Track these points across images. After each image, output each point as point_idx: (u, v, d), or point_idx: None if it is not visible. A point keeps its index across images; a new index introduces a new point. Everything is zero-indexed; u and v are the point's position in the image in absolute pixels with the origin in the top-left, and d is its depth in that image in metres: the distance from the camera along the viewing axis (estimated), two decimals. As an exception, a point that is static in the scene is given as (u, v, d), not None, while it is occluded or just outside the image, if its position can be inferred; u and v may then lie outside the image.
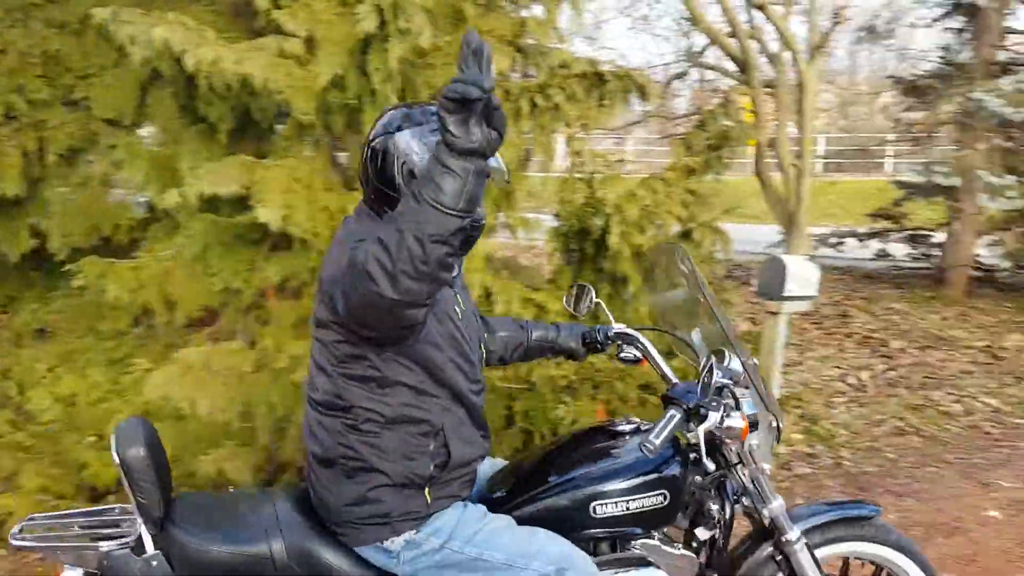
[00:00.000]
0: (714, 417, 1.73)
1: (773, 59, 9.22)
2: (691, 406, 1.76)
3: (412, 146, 1.65)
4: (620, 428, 1.93)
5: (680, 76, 13.64)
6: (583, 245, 3.78)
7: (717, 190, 4.38)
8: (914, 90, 10.22)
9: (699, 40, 11.07)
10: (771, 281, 5.03)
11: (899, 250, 10.70)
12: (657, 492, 1.82)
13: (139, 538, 1.66)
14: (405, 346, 1.61)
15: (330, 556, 1.69)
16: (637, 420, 1.97)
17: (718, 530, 1.88)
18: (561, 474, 1.84)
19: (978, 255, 9.10)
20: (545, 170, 4.22)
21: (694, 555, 1.90)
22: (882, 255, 11.00)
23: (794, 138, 9.58)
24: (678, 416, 1.71)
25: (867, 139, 16.96)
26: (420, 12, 2.98)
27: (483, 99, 1.28)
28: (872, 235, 11.04)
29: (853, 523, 2.07)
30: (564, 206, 3.82)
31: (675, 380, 2.06)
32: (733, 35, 8.67)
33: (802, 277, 5.08)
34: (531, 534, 1.74)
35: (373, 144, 1.70)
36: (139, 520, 1.65)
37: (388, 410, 1.66)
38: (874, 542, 2.08)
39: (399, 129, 1.68)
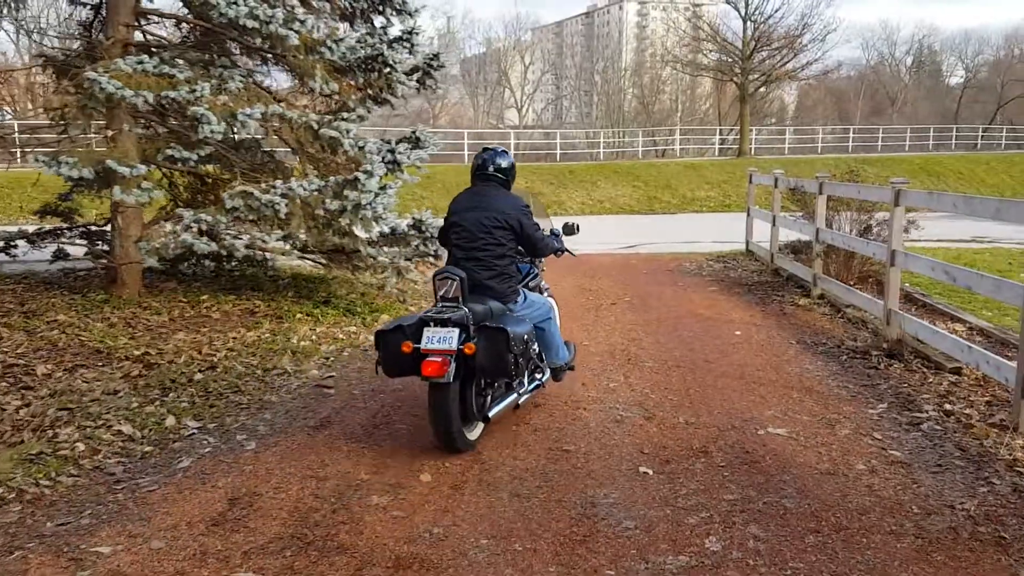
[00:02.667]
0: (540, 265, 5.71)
1: None
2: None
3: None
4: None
5: None
6: None
7: None
8: (64, 71, 9.07)
9: None
10: None
11: (79, 249, 9.59)
12: (538, 271, 5.58)
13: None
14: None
15: (497, 305, 4.58)
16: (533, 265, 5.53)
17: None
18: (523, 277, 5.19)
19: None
20: None
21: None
22: (61, 256, 9.73)
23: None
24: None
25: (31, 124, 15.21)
26: None
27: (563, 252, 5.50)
28: (45, 234, 9.65)
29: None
30: None
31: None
32: None
33: None
34: (535, 296, 4.99)
35: (510, 165, 4.97)
36: (464, 307, 4.36)
37: (516, 262, 4.84)
38: None
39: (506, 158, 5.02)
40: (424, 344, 4.25)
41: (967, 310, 8.10)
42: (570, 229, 5.70)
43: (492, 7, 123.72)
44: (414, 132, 9.21)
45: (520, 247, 4.87)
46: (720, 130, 38.27)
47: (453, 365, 4.21)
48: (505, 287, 4.70)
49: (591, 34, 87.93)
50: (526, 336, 4.48)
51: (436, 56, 8.66)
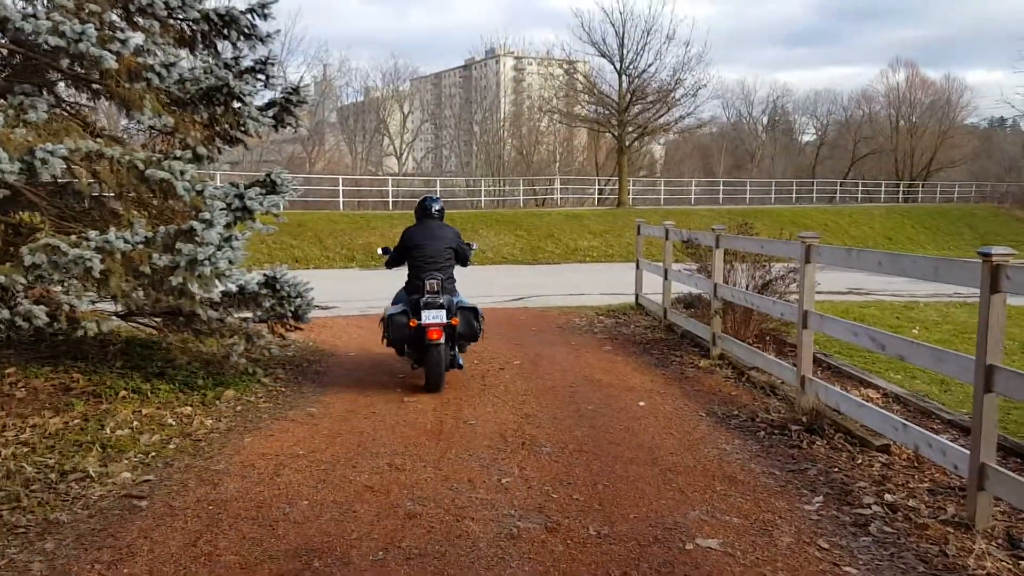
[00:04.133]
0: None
1: None
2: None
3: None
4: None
5: None
6: None
7: None
8: None
9: None
10: None
11: None
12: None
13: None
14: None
15: (450, 298, 6.89)
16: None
17: None
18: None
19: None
20: None
21: None
22: None
23: None
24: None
25: None
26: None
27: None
28: None
29: None
30: None
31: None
32: None
33: None
34: (461, 293, 7.21)
35: (442, 206, 7.38)
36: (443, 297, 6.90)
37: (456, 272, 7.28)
38: None
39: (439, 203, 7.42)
40: (424, 320, 6.63)
41: (874, 372, 7.62)
42: (469, 247, 7.48)
43: (368, 58, 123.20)
44: (269, 175, 8.03)
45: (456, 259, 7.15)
46: (598, 180, 38.58)
47: (444, 333, 6.68)
48: (452, 287, 7.03)
49: (469, 85, 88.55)
50: (481, 314, 6.91)
51: (296, 90, 7.57)
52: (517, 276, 18.25)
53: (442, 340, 6.66)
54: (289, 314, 7.93)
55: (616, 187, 34.44)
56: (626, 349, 8.99)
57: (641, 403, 6.63)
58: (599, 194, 37.09)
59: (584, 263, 23.32)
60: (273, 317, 7.96)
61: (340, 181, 29.88)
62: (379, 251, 7.60)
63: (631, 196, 34.75)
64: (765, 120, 65.38)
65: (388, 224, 24.01)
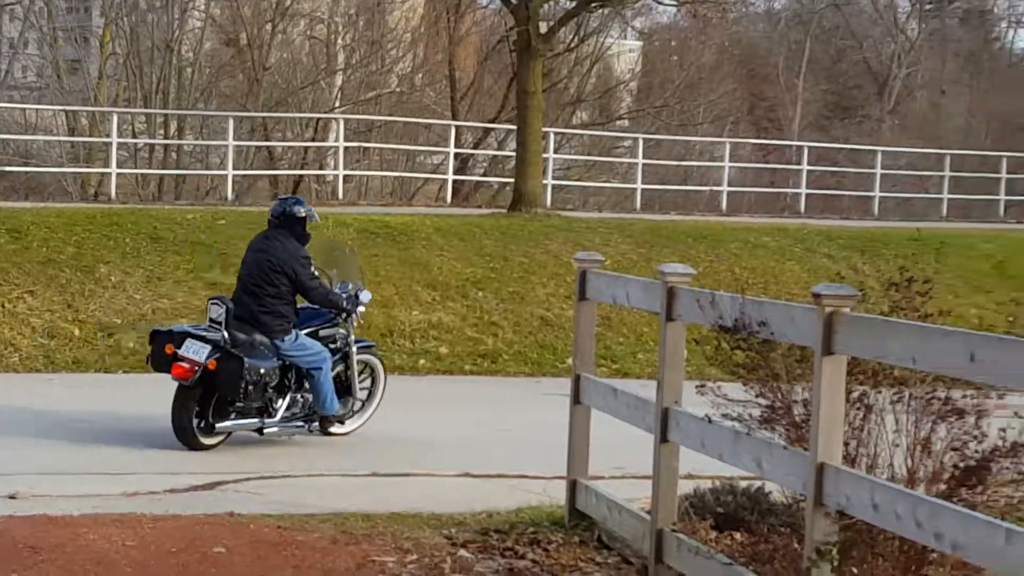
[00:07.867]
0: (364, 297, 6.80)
1: None
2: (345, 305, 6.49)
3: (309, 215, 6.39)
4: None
5: None
6: None
7: None
8: None
9: None
10: None
11: None
12: (339, 322, 6.64)
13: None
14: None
15: (261, 338, 5.97)
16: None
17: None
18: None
19: None
20: None
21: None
22: None
23: None
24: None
25: None
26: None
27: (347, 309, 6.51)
28: None
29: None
30: None
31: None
32: None
33: None
34: (311, 342, 6.25)
35: (303, 215, 6.24)
36: (225, 331, 5.81)
37: (292, 303, 6.18)
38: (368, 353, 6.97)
39: (305, 207, 6.43)
40: (181, 351, 5.78)
41: None
42: (354, 301, 6.55)
43: None
44: None
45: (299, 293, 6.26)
46: (455, 132, 17.75)
47: (199, 374, 5.70)
48: (274, 323, 6.01)
49: None
50: (263, 370, 5.83)
51: None
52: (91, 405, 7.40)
53: (189, 383, 5.69)
54: None
55: (509, 150, 16.19)
56: None
57: None
58: (459, 171, 17.99)
59: (407, 373, 9.34)
60: None
61: None
62: None
63: (551, 181, 15.76)
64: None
65: None
